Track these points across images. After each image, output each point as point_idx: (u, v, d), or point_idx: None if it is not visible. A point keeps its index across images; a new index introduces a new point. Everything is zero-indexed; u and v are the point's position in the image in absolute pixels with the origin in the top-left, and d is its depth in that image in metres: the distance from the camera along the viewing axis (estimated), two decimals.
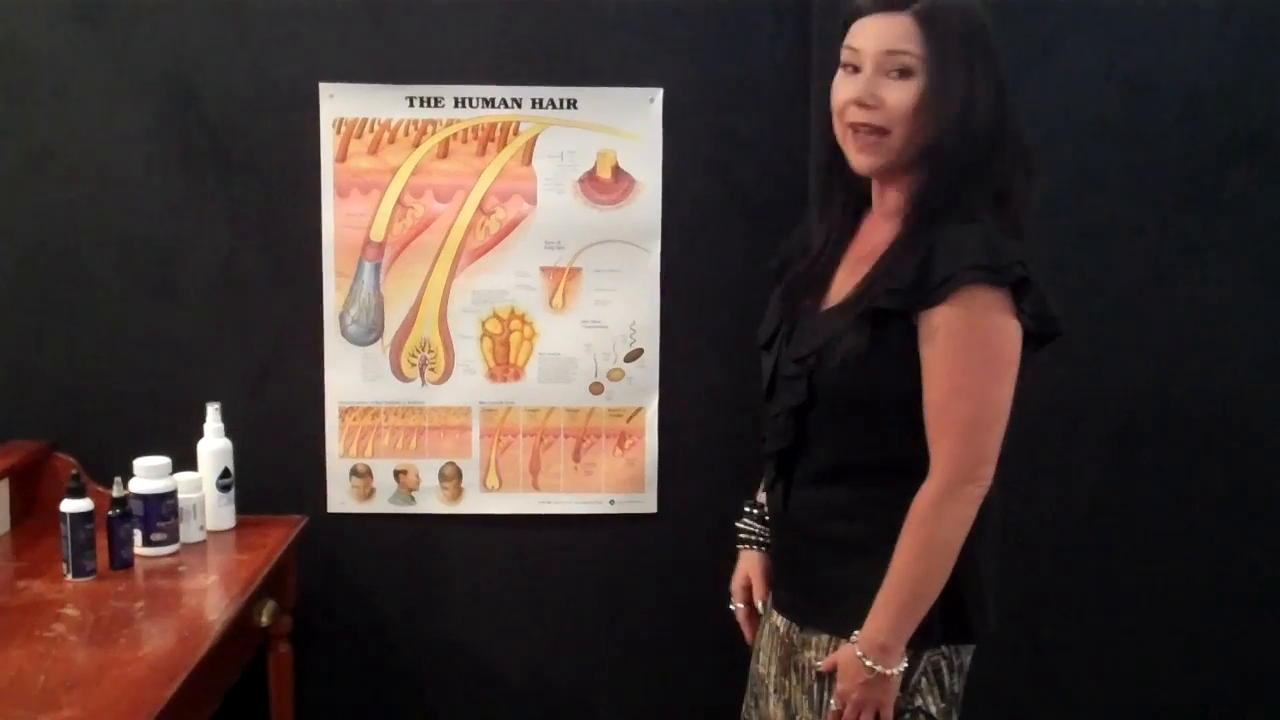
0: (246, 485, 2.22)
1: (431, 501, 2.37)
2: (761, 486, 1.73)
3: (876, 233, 1.58)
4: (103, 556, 1.98)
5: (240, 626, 1.89)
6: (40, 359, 2.29)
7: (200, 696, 1.74)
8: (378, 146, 2.27)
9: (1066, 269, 2.22)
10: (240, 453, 2.21)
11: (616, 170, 2.30)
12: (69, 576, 1.94)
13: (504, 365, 2.34)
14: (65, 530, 1.93)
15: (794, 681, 1.62)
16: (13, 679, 1.58)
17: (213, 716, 1.86)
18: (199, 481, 2.14)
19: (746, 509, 1.79)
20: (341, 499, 2.36)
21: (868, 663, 1.50)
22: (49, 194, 2.26)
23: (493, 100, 2.27)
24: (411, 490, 2.37)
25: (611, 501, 2.39)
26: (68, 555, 1.94)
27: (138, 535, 2.03)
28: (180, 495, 2.08)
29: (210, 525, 2.16)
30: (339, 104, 2.26)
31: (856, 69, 1.51)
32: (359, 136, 2.27)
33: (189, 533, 2.10)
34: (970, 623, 1.55)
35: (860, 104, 1.49)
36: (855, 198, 1.63)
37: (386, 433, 2.35)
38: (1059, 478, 2.35)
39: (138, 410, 2.29)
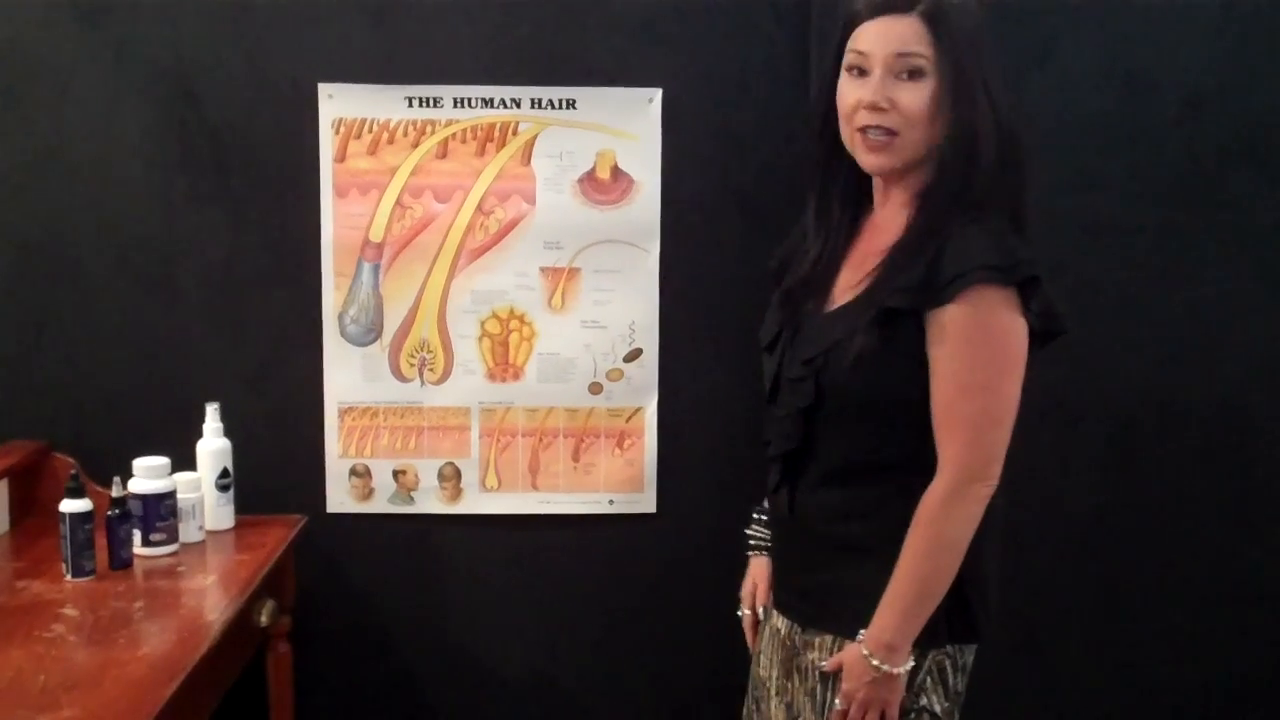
0: (245, 485, 2.22)
1: (430, 501, 2.37)
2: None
3: (880, 232, 1.58)
4: (102, 556, 1.98)
5: (239, 626, 1.89)
6: (39, 359, 2.29)
7: (199, 696, 1.74)
8: (377, 147, 2.27)
9: (1066, 269, 2.21)
10: (239, 453, 2.21)
11: (615, 170, 2.30)
12: (68, 577, 1.94)
13: (503, 365, 2.34)
14: (64, 530, 1.93)
15: (796, 683, 1.62)
16: (12, 679, 1.57)
17: (212, 716, 1.86)
18: (198, 481, 2.14)
19: (755, 515, 1.79)
20: (340, 499, 2.36)
21: (874, 662, 1.50)
22: (48, 194, 2.26)
23: (492, 100, 2.27)
24: (410, 490, 2.37)
25: (611, 501, 2.39)
26: (67, 555, 1.94)
27: (137, 535, 2.03)
28: (179, 495, 2.08)
29: (209, 525, 2.16)
30: (338, 104, 2.26)
31: (863, 72, 1.51)
32: (358, 137, 2.27)
33: (188, 533, 2.10)
34: (975, 622, 1.55)
35: (873, 107, 1.49)
36: (854, 197, 1.63)
37: (385, 433, 2.35)
38: (1059, 478, 2.35)
39: (137, 410, 2.29)
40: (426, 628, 2.42)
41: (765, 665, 1.70)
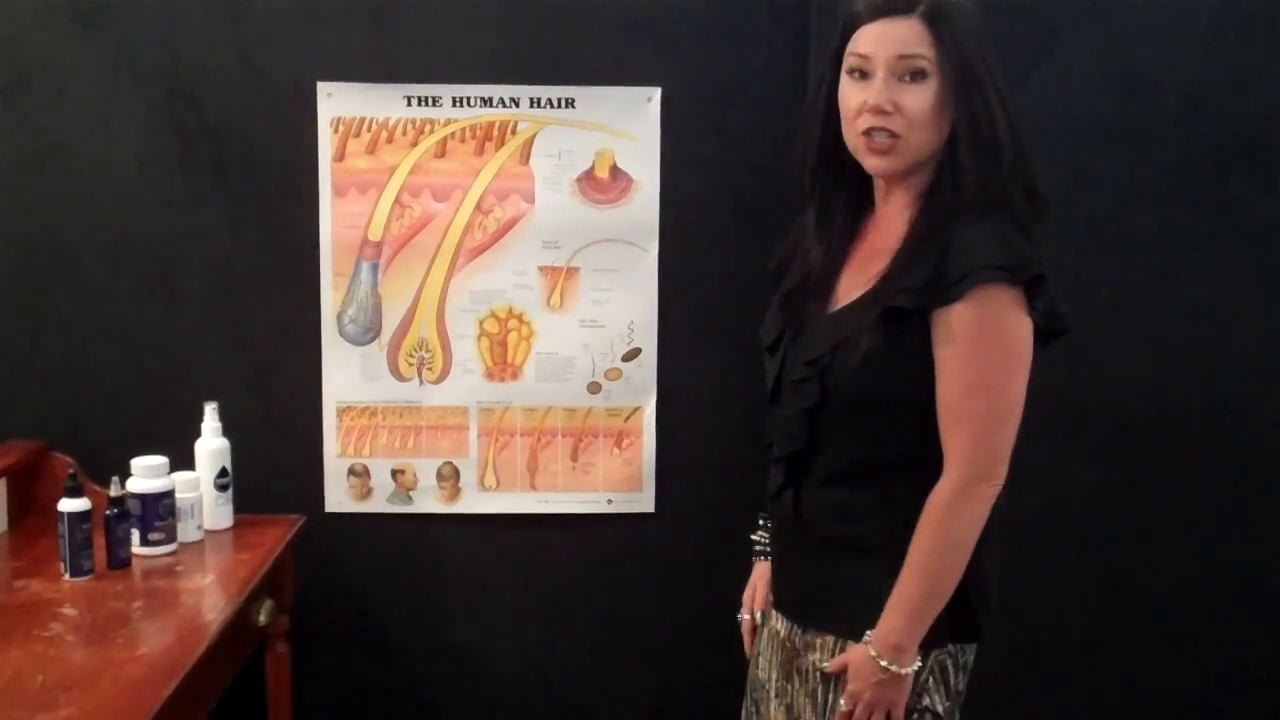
0: (244, 485, 2.22)
1: (429, 501, 2.37)
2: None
3: (883, 232, 1.58)
4: (100, 556, 1.97)
5: (238, 626, 1.89)
6: (38, 358, 2.29)
7: (198, 696, 1.74)
8: (375, 146, 2.27)
9: (1066, 269, 2.20)
10: (238, 452, 2.21)
11: (614, 170, 2.30)
12: (66, 576, 1.94)
13: (502, 365, 2.34)
14: (63, 530, 1.93)
15: (796, 685, 1.62)
16: (10, 679, 1.57)
17: (210, 716, 1.86)
18: (197, 481, 2.14)
19: (761, 520, 1.78)
20: (339, 498, 2.36)
21: (882, 663, 1.49)
22: (47, 194, 2.26)
23: (490, 99, 2.26)
24: (409, 490, 2.37)
25: (609, 501, 2.39)
26: (65, 555, 1.94)
27: (135, 535, 2.03)
28: (178, 495, 2.08)
29: (208, 525, 2.16)
30: (337, 103, 2.26)
31: (865, 74, 1.51)
32: (357, 136, 2.26)
33: (186, 532, 2.10)
34: (977, 621, 1.55)
35: (877, 110, 1.49)
36: (854, 198, 1.62)
37: (384, 432, 2.34)
38: (1059, 478, 2.35)
39: (135, 409, 2.29)
40: (425, 627, 2.42)
41: (764, 667, 1.69)
